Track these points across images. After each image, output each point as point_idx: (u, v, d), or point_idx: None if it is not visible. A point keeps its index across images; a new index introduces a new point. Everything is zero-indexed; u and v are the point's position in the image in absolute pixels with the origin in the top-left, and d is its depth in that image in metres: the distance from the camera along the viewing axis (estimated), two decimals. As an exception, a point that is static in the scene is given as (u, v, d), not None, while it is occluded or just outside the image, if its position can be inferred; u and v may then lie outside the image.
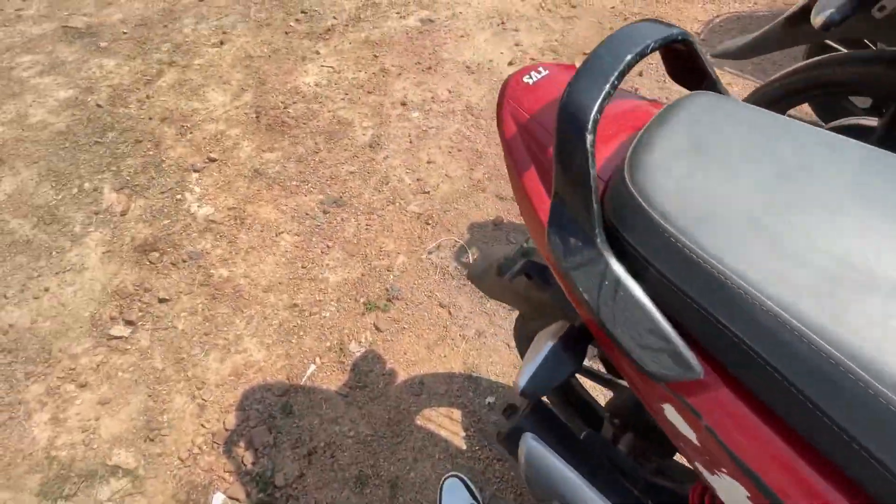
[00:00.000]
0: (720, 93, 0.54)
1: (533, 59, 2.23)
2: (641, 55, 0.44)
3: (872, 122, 1.20)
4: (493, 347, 1.43)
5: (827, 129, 1.26)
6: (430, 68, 2.20)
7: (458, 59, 2.25)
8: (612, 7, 2.49)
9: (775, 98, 1.22)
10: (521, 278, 0.74)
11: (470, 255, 1.62)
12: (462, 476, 1.19)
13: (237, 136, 1.95)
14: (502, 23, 2.41)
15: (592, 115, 0.40)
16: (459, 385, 1.37)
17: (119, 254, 1.61)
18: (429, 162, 1.87)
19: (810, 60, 1.13)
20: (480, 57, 2.26)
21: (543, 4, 2.51)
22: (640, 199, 0.40)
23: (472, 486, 1.18)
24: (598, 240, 0.41)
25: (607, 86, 0.41)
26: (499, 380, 1.38)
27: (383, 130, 1.97)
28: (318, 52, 2.28)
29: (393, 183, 1.81)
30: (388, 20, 2.44)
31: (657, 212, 0.39)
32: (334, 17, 2.46)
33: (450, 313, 1.50)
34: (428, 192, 1.79)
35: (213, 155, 1.87)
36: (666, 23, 0.48)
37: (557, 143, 0.42)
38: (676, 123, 0.45)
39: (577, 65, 0.64)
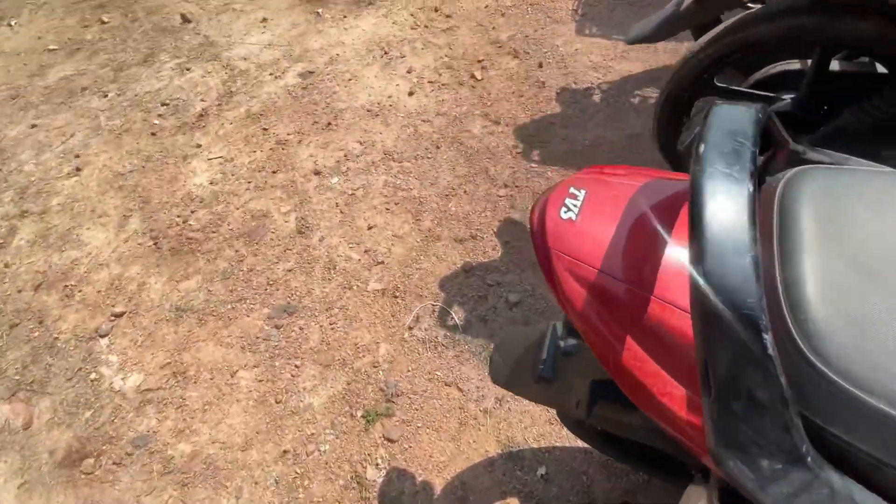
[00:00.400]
0: (797, 154, 0.43)
1: (431, 83, 2.11)
2: (755, 165, 0.31)
3: (796, 64, 1.21)
4: (520, 410, 1.29)
5: (753, 82, 1.24)
6: (329, 124, 2.01)
7: (356, 105, 2.07)
8: (486, 6, 2.43)
9: (702, 69, 1.18)
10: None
11: (453, 315, 1.47)
12: None
13: (139, 275, 1.63)
14: (385, 52, 2.26)
15: (759, 303, 0.27)
16: (503, 468, 1.22)
17: (40, 480, 1.27)
18: (370, 227, 1.69)
19: (729, 23, 1.10)
20: (378, 95, 2.09)
21: (417, 22, 2.39)
22: (844, 384, 0.28)
23: None
24: (809, 458, 0.29)
25: (748, 237, 0.27)
26: (541, 443, 1.24)
27: (307, 210, 1.75)
28: (198, 145, 1.99)
29: (340, 265, 1.61)
30: (264, 85, 2.20)
31: (881, 398, 0.27)
32: (202, 100, 2.17)
33: (460, 390, 1.34)
34: (383, 262, 1.60)
35: (117, 309, 1.55)
36: (738, 103, 0.36)
37: (706, 348, 0.29)
38: (814, 235, 0.34)
39: (597, 164, 0.51)
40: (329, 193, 1.79)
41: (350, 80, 2.17)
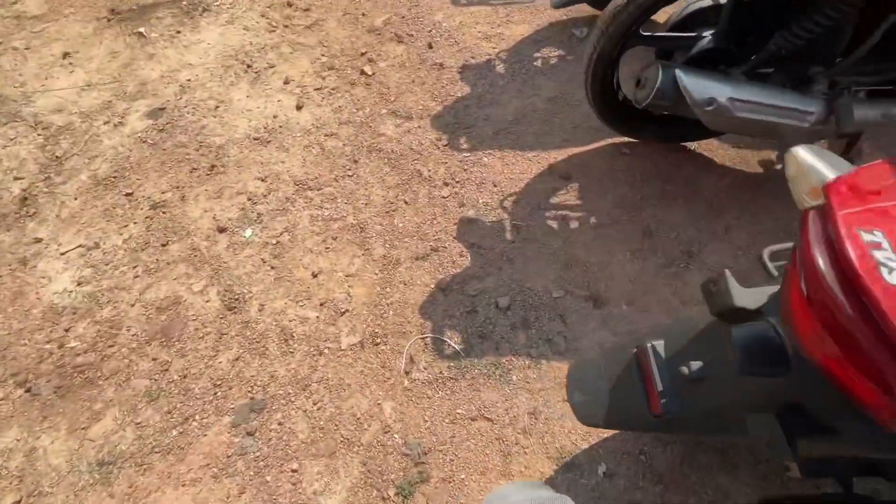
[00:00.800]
0: None
1: (318, 90, 1.83)
2: None
3: (707, 1, 1.23)
4: (556, 415, 1.21)
5: (671, 25, 1.24)
6: (213, 168, 1.64)
7: (238, 136, 1.71)
8: (345, -9, 2.16)
9: (632, 22, 1.15)
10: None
11: (448, 341, 1.32)
12: None
13: (22, 442, 1.18)
14: (248, 66, 1.90)
15: None
16: (565, 482, 1.14)
17: None
18: (315, 275, 1.43)
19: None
20: (260, 118, 1.76)
21: (273, 23, 2.05)
22: None
23: None
24: None
25: None
26: (590, 441, 1.18)
27: (228, 278, 1.42)
28: (38, 240, 1.49)
29: (298, 331, 1.34)
30: (102, 139, 1.71)
31: None
32: (17, 178, 1.62)
33: (488, 419, 1.22)
34: (347, 310, 1.37)
35: (5, 501, 1.10)
36: None
37: None
38: None
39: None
40: (248, 250, 1.47)
41: (217, 107, 1.79)
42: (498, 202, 1.55)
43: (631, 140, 1.62)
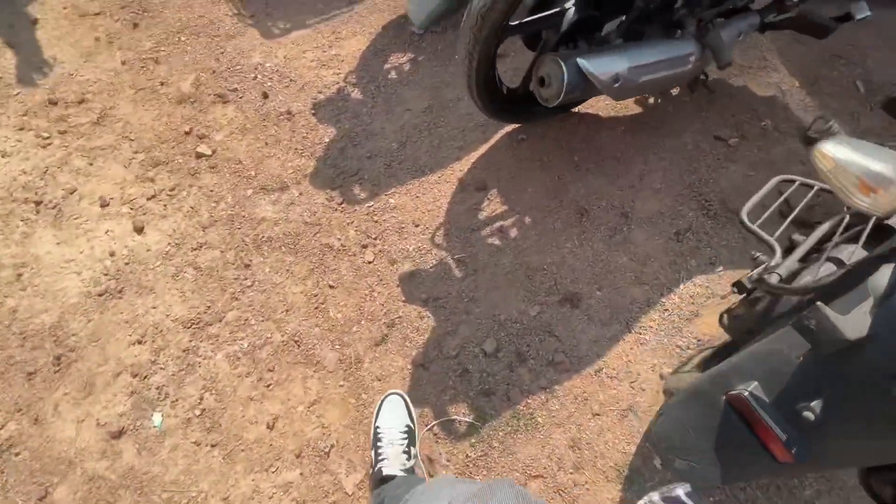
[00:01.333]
0: None
1: (153, 198, 1.43)
2: None
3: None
4: (594, 435, 1.16)
5: (530, 7, 1.17)
6: (60, 359, 1.20)
7: (73, 301, 1.27)
8: (123, 62, 1.70)
9: (503, 17, 1.03)
10: None
11: (457, 418, 1.17)
12: (402, 394, 1.15)
13: None
14: (38, 202, 1.41)
15: None
16: (635, 494, 1.10)
17: None
18: (271, 426, 1.15)
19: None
20: (93, 263, 1.32)
21: (45, 133, 1.53)
22: None
23: (411, 407, 1.14)
24: None
25: None
26: (632, 443, 1.15)
27: (160, 490, 1.07)
28: None
29: (286, 503, 1.07)
30: None
31: None
32: None
33: (538, 477, 1.12)
34: (333, 445, 1.13)
35: None
36: None
37: None
38: None
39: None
40: (169, 441, 1.12)
41: (20, 275, 1.30)
42: (429, 242, 1.39)
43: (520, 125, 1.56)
